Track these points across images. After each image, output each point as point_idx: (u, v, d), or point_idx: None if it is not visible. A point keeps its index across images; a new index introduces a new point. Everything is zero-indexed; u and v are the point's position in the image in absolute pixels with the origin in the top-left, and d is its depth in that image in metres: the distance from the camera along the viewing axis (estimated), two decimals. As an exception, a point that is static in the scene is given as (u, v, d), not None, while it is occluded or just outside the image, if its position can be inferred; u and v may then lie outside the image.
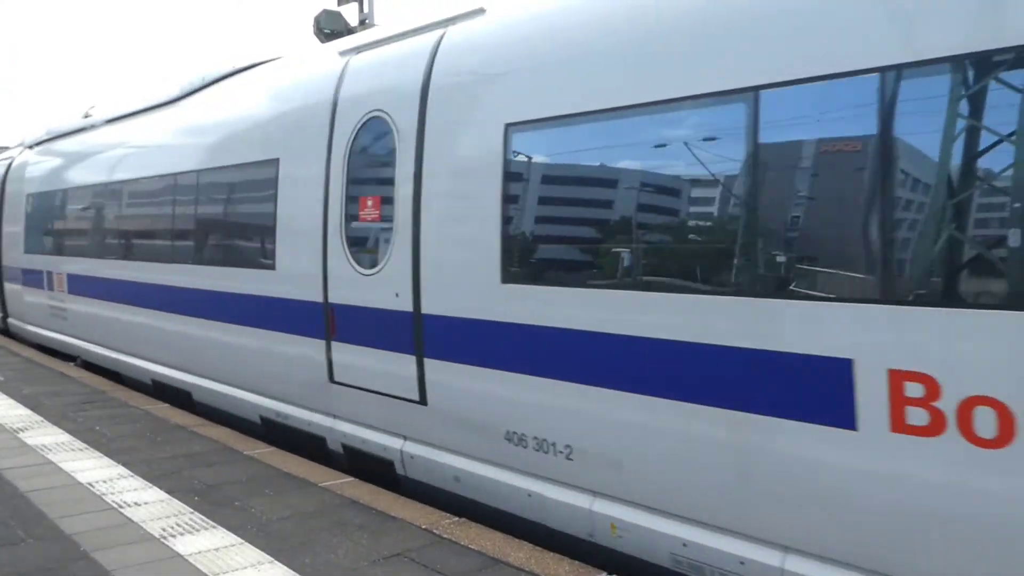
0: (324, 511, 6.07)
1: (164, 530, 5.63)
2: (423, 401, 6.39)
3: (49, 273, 14.11)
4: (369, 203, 6.91)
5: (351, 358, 7.07)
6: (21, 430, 8.47)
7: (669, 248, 4.97)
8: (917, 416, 3.81)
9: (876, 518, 4.01)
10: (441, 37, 6.56)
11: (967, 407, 3.67)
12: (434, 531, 5.64)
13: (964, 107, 3.80)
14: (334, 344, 7.22)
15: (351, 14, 15.53)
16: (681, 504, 4.84)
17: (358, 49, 7.60)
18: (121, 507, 6.10)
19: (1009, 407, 3.55)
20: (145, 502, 6.22)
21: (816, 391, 4.16)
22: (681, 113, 4.84)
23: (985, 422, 3.62)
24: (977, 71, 3.72)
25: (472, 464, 6.12)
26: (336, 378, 7.26)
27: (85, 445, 7.90)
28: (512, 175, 5.69)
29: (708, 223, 4.88)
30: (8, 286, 16.89)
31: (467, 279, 5.95)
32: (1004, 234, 3.61)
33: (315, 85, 7.85)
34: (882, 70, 3.97)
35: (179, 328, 9.89)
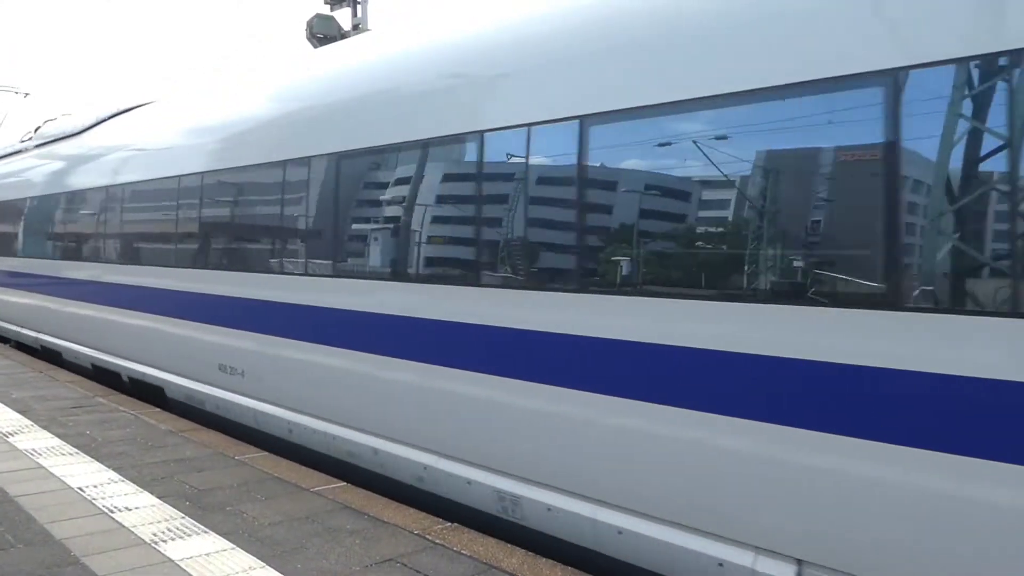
0: (316, 516, 6.06)
1: (155, 535, 5.61)
2: None
3: None
4: None
5: None
6: (10, 434, 8.42)
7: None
8: None
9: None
10: None
11: None
12: (426, 536, 5.64)
13: None
14: None
15: (344, 18, 15.54)
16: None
17: None
18: (112, 512, 6.07)
19: None
20: (136, 507, 6.20)
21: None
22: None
23: None
24: None
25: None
26: None
27: (75, 450, 7.87)
28: None
29: None
30: None
31: None
32: None
33: None
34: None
35: None
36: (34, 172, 16.11)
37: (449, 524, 5.90)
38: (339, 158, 7.43)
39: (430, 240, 6.65)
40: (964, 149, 3.90)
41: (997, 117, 3.78)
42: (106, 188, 12.23)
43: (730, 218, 4.85)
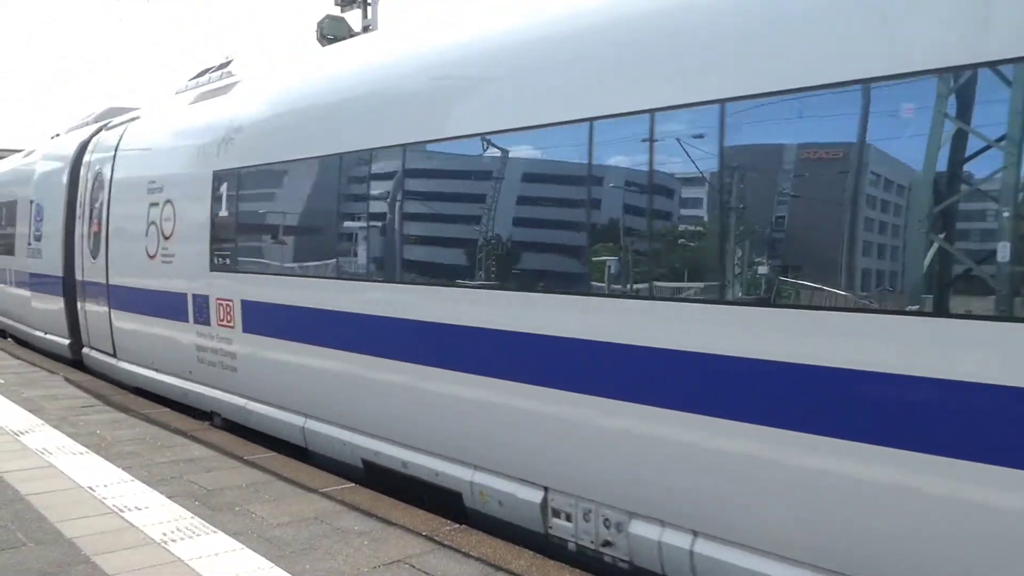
0: (324, 517, 6.07)
1: (164, 534, 5.63)
2: None
3: None
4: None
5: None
6: (21, 433, 8.47)
7: None
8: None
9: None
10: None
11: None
12: (435, 537, 5.64)
13: None
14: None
15: (355, 20, 15.57)
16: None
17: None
18: (122, 511, 6.10)
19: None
20: (146, 506, 6.22)
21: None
22: None
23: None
24: None
25: None
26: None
27: (85, 449, 7.90)
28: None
29: None
30: None
31: None
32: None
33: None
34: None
35: None
36: None
37: (457, 526, 5.90)
38: None
39: None
40: None
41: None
42: None
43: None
